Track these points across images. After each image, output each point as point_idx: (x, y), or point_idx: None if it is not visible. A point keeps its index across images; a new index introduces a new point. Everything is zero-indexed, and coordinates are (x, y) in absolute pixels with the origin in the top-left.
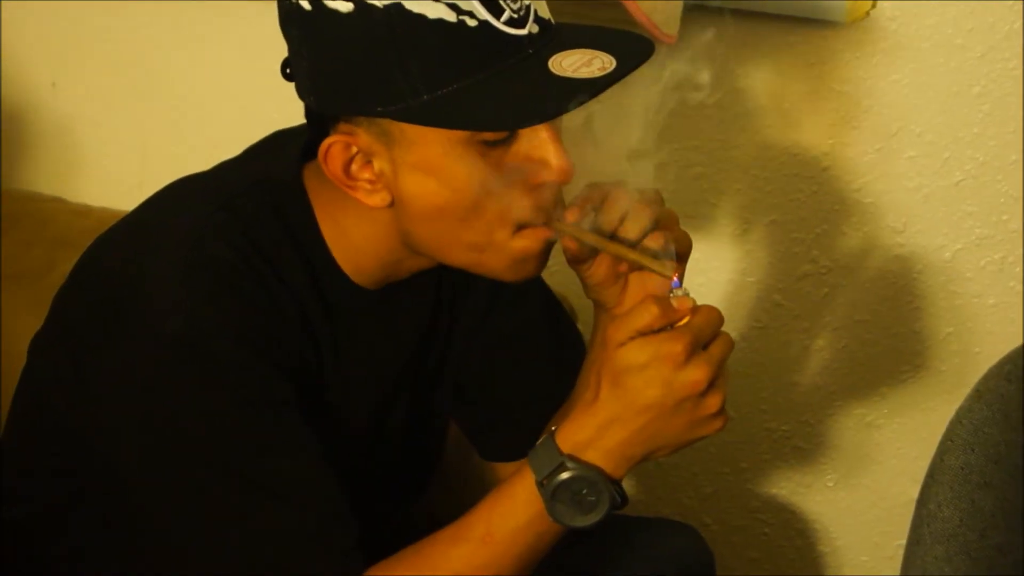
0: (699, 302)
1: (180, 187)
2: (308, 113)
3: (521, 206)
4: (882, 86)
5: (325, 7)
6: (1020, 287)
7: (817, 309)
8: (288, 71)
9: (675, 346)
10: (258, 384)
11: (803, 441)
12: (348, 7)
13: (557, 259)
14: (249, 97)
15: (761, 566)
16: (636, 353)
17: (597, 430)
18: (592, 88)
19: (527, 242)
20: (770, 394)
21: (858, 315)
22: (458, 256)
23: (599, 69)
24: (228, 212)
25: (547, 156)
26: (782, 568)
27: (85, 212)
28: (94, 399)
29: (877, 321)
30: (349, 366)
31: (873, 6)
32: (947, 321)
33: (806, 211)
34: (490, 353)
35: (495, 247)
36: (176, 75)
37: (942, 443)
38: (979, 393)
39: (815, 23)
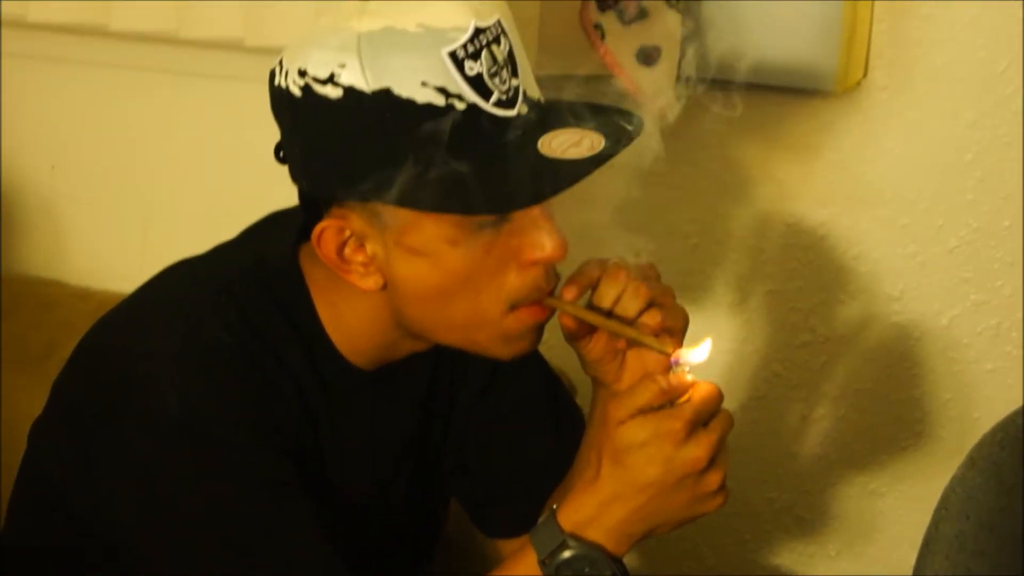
0: (697, 373)
1: (177, 271)
2: (302, 196)
3: (515, 286)
4: (875, 154)
5: (315, 93)
6: (1017, 352)
7: (816, 378)
8: (281, 154)
9: (675, 424)
10: (257, 466)
11: (805, 511)
12: (337, 93)
13: (554, 335)
14: (248, 176)
15: None
16: (636, 431)
17: (598, 508)
18: (582, 169)
19: (521, 320)
20: (770, 464)
21: (857, 383)
22: (452, 336)
23: (588, 149)
24: (225, 295)
25: (540, 236)
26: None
27: (86, 295)
28: (95, 480)
29: (876, 389)
30: (348, 444)
31: (864, 75)
32: (946, 387)
33: (803, 280)
34: (489, 428)
35: (489, 326)
36: (175, 155)
37: (936, 511)
38: (972, 460)
39: (807, 93)
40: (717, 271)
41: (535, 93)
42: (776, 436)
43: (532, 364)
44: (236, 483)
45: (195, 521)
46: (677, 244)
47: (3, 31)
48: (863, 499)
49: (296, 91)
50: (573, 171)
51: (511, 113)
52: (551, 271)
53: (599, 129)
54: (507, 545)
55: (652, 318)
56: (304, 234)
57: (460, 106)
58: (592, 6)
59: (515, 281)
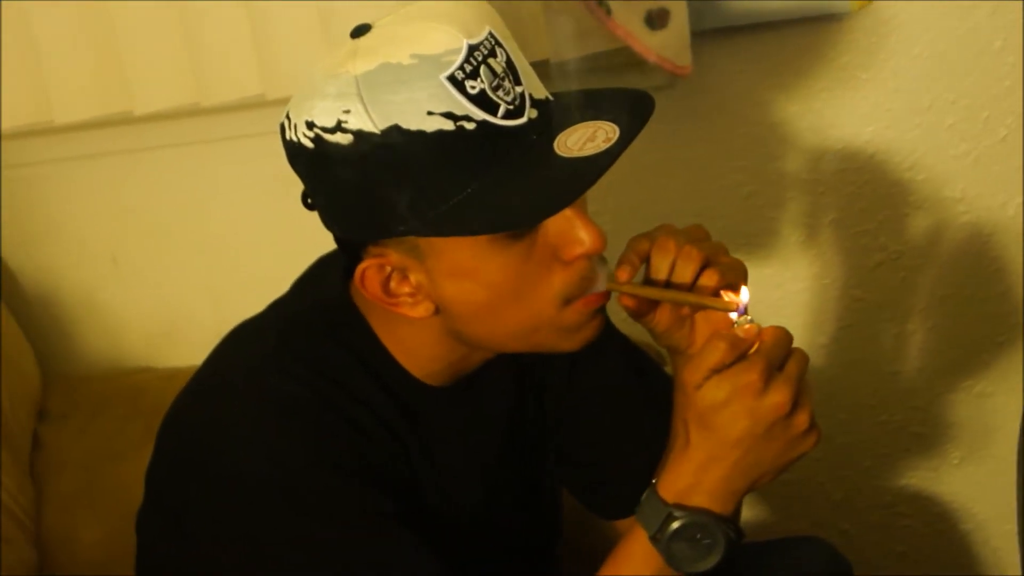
0: (778, 316)
1: (237, 334)
2: (337, 239)
3: (563, 283)
4: (905, 64)
5: (326, 143)
6: None
7: (898, 295)
8: (309, 201)
9: (751, 375)
10: (352, 505)
11: (919, 426)
12: (348, 139)
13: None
14: (299, 223)
15: (909, 558)
16: (715, 391)
17: (696, 474)
18: (601, 164)
19: (578, 312)
20: (874, 389)
21: (940, 291)
22: (516, 343)
23: (604, 141)
24: (287, 348)
25: (576, 232)
26: (931, 555)
27: (174, 375)
28: (202, 558)
29: (960, 292)
30: (443, 463)
31: None
32: None
33: (864, 202)
34: (584, 414)
35: (548, 326)
36: (225, 219)
37: None
38: None
39: (825, 19)
40: (776, 213)
41: (541, 94)
42: (873, 360)
43: (611, 343)
44: (336, 526)
45: (305, 572)
46: (730, 196)
47: (36, 139)
48: (973, 402)
49: (308, 143)
50: (593, 167)
51: (521, 121)
52: (596, 259)
53: (610, 118)
54: (623, 525)
55: (710, 279)
56: (351, 272)
57: (470, 126)
58: None
59: (562, 279)
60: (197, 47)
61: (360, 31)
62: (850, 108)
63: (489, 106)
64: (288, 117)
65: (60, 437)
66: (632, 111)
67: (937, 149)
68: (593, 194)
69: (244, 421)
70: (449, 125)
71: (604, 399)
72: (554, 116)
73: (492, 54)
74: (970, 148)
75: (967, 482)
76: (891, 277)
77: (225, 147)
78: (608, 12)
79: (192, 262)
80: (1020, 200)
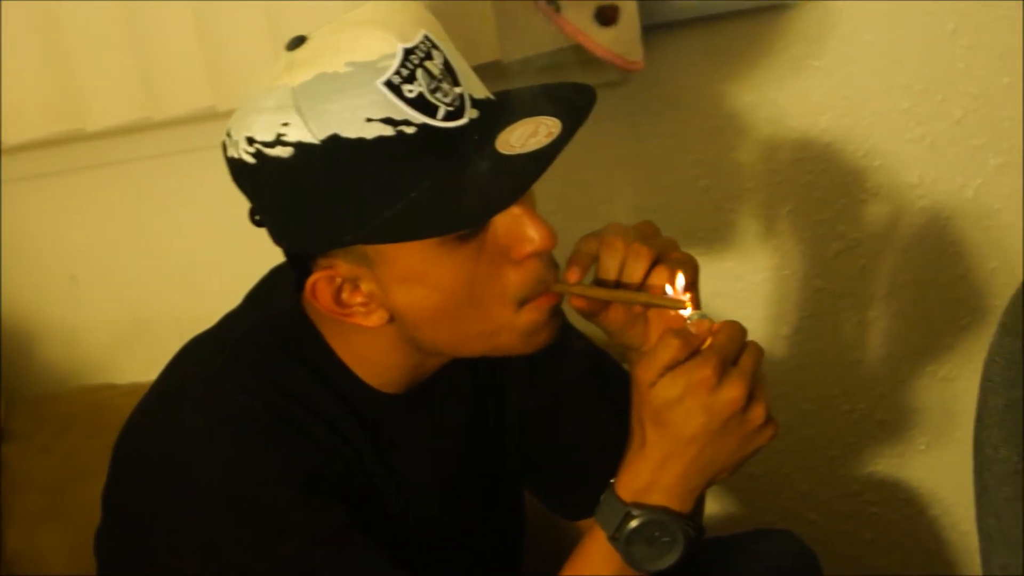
0: (739, 308)
1: (189, 349)
2: (286, 253)
3: (516, 283)
4: (857, 50)
5: (268, 157)
6: None
7: (859, 283)
8: (257, 218)
9: (704, 371)
10: (310, 515)
11: (884, 414)
12: (288, 152)
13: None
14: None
15: (878, 545)
16: (669, 388)
17: (653, 472)
18: (544, 159)
19: (534, 313)
20: (838, 378)
21: (901, 277)
22: (471, 347)
23: (546, 136)
24: (240, 361)
25: (525, 230)
26: (899, 541)
27: (136, 391)
28: (160, 573)
29: (921, 277)
30: (403, 470)
31: None
32: (989, 257)
33: (821, 191)
34: (544, 414)
35: (504, 328)
36: (186, 232)
37: (982, 385)
38: (1004, 327)
39: (774, 9)
40: (734, 205)
41: (481, 93)
42: (836, 349)
43: (570, 344)
44: (294, 537)
45: None
46: (687, 190)
47: None
48: (937, 387)
49: (249, 159)
50: (536, 162)
51: (462, 122)
52: (548, 259)
53: (552, 113)
54: (588, 525)
55: (660, 276)
56: (302, 284)
57: (410, 131)
58: None
59: (515, 279)
60: (146, 62)
61: (295, 43)
62: (804, 97)
63: (428, 109)
64: (229, 134)
65: (24, 457)
66: (573, 105)
67: (892, 134)
68: (549, 193)
69: (198, 434)
70: (389, 131)
71: (565, 400)
72: (495, 115)
73: (428, 56)
74: (925, 132)
75: (933, 467)
76: (851, 265)
77: (178, 161)
78: (557, 10)
79: (150, 277)
80: (978, 182)
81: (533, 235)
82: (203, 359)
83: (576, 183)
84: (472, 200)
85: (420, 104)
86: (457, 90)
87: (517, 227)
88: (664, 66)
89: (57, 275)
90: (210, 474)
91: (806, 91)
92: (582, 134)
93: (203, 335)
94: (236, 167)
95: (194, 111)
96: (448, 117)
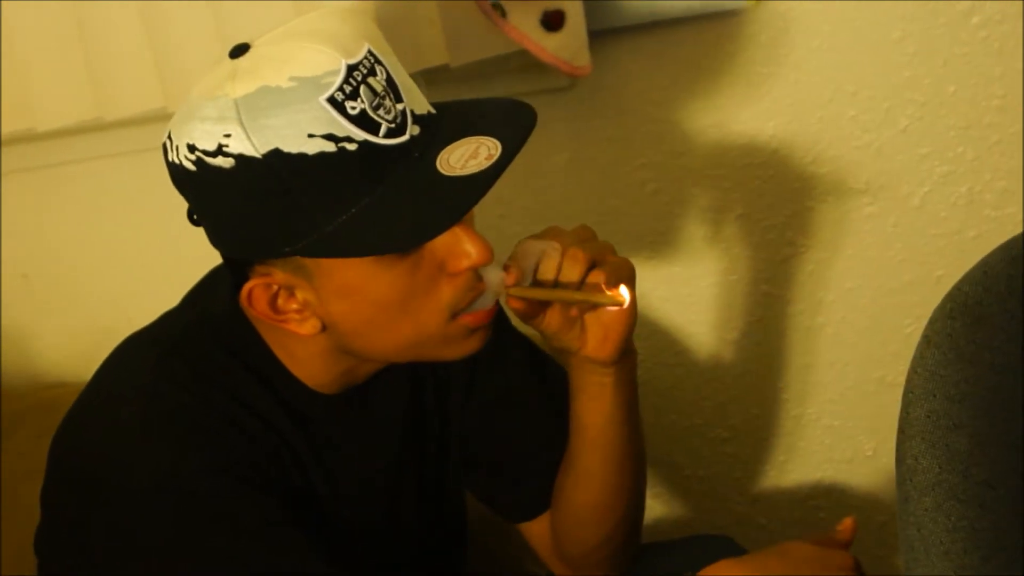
0: (688, 312)
1: (127, 346)
2: (224, 256)
3: (450, 296)
4: (804, 57)
5: (208, 165)
6: (995, 213)
7: (806, 288)
8: (195, 217)
9: (848, 561)
10: (244, 511)
11: (832, 419)
12: (229, 163)
13: None
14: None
15: None
16: (811, 554)
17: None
18: (483, 183)
19: (465, 323)
20: (787, 382)
21: (848, 283)
22: (402, 355)
23: (486, 159)
24: (175, 356)
25: (462, 246)
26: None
27: None
28: (97, 571)
29: (868, 284)
30: (337, 470)
31: None
32: (934, 265)
33: (769, 197)
34: (486, 417)
35: (435, 338)
36: (134, 233)
37: (904, 396)
38: (927, 338)
39: (721, 15)
40: (683, 210)
41: (423, 108)
42: (785, 354)
43: (514, 347)
44: (228, 532)
45: None
46: (636, 194)
47: None
48: (884, 393)
49: (190, 166)
50: (475, 186)
51: (403, 139)
52: (481, 270)
53: (492, 133)
54: (528, 527)
55: (596, 278)
56: (240, 286)
57: (351, 147)
58: None
59: (449, 291)
60: (97, 63)
61: (239, 51)
62: (752, 103)
63: (370, 126)
64: (170, 138)
65: None
66: (515, 126)
67: (840, 141)
68: (497, 197)
69: (132, 430)
70: (331, 147)
71: (507, 400)
72: (437, 131)
73: (372, 72)
74: (872, 139)
75: (881, 473)
76: (799, 271)
77: (130, 161)
78: (503, 14)
79: (101, 277)
80: (924, 190)
81: (470, 250)
82: (138, 356)
83: (523, 188)
84: (410, 221)
85: (362, 121)
86: (399, 107)
87: (455, 242)
88: (611, 71)
89: (9, 274)
90: (142, 467)
91: (754, 97)
92: (531, 138)
93: (139, 333)
94: (176, 172)
95: (145, 112)
96: (389, 134)
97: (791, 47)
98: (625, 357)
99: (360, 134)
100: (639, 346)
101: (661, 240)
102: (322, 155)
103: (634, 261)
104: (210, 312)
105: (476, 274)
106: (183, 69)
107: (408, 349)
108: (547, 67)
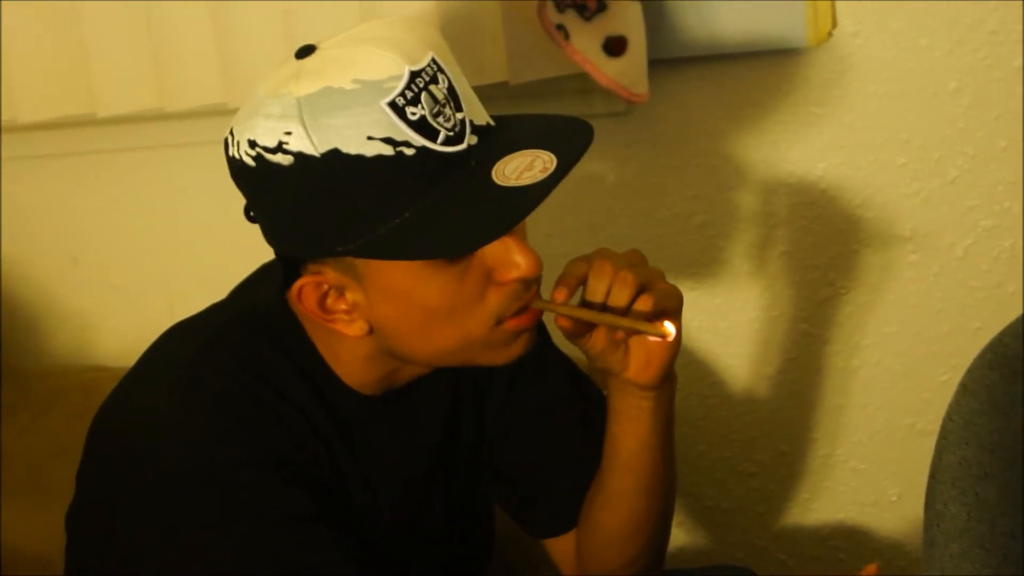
0: (727, 345)
1: (172, 333)
2: (277, 253)
3: (496, 304)
4: (860, 101)
5: (268, 162)
6: None
7: (845, 330)
8: (251, 214)
9: None
10: (278, 502)
11: (859, 462)
12: (288, 160)
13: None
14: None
15: None
16: None
17: None
18: (537, 195)
19: (509, 331)
20: (817, 422)
21: (886, 328)
22: (447, 359)
23: (541, 171)
24: (219, 345)
25: (512, 256)
26: None
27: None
28: (128, 554)
29: (906, 330)
30: (371, 471)
31: (834, 25)
32: (973, 317)
33: (815, 237)
34: (521, 432)
35: (480, 343)
36: (185, 225)
37: (938, 442)
38: (964, 387)
39: (782, 53)
40: (728, 243)
41: (483, 119)
42: (817, 393)
43: (555, 363)
44: (260, 522)
45: (219, 565)
46: (683, 225)
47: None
48: (913, 440)
49: (250, 161)
50: (528, 197)
51: (461, 148)
52: (529, 281)
53: (549, 147)
54: (553, 544)
55: (644, 304)
56: (290, 282)
57: (409, 152)
58: (550, 8)
59: (495, 300)
60: (162, 53)
61: (304, 52)
62: (804, 143)
63: (429, 132)
64: (232, 133)
65: (7, 430)
66: (571, 141)
67: (888, 187)
68: (547, 214)
69: (172, 415)
70: (389, 150)
71: (543, 416)
72: (494, 143)
73: (434, 80)
74: (921, 187)
75: (904, 520)
76: (839, 312)
77: (186, 153)
78: (567, 37)
79: (151, 266)
80: (968, 242)
81: (520, 261)
82: (183, 344)
83: (574, 207)
84: (463, 228)
85: (421, 127)
86: (459, 115)
87: (505, 252)
88: (668, 100)
89: (59, 256)
90: (177, 453)
91: (806, 137)
92: (584, 160)
93: (185, 322)
94: (236, 166)
95: (205, 106)
96: (448, 142)
97: (847, 90)
98: (665, 382)
99: (419, 140)
100: None
101: (704, 271)
102: (380, 158)
103: None
104: (257, 306)
105: (524, 284)
106: (245, 67)
107: (453, 354)
108: (605, 91)
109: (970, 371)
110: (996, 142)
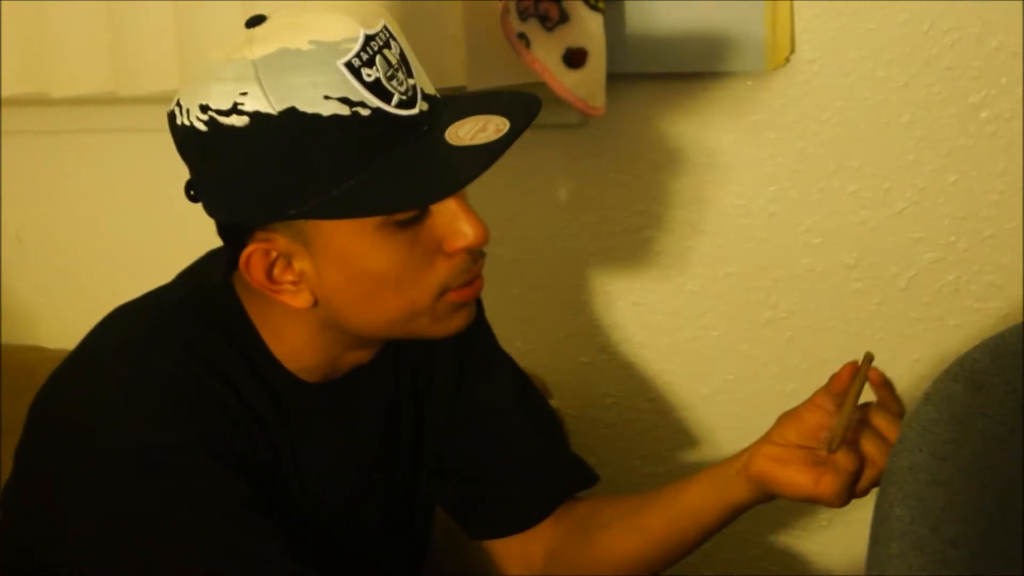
0: (666, 362)
1: (115, 315)
2: (220, 229)
3: (443, 274)
4: (814, 127)
5: (221, 125)
6: (979, 304)
7: (784, 353)
8: (192, 193)
9: None
10: (219, 491)
11: None
12: (244, 121)
13: (528, 339)
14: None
15: None
16: None
17: None
18: (491, 152)
19: (452, 301)
20: (750, 442)
21: (825, 354)
22: (390, 330)
23: (495, 132)
24: (163, 327)
25: (460, 225)
26: None
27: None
28: (69, 534)
29: (844, 358)
30: (310, 460)
31: (792, 50)
32: (913, 348)
33: (760, 259)
34: (465, 430)
35: (423, 313)
36: (132, 210)
37: (894, 447)
38: (927, 396)
39: (738, 75)
40: (673, 260)
41: (431, 90)
42: (751, 414)
43: (500, 365)
44: (200, 509)
45: (157, 546)
46: (630, 239)
47: None
48: None
49: (201, 126)
50: (484, 155)
51: (413, 112)
52: (476, 252)
53: (500, 112)
54: (493, 546)
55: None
56: (234, 263)
57: (364, 112)
58: (513, 16)
59: (443, 270)
60: (120, 37)
61: (255, 22)
62: (756, 165)
63: (383, 94)
64: (179, 104)
65: None
66: (520, 108)
67: (837, 214)
68: (497, 223)
69: (117, 395)
70: (345, 110)
71: (489, 418)
72: (444, 109)
73: (387, 46)
74: (868, 217)
75: (833, 545)
76: (778, 335)
77: (138, 138)
78: (528, 45)
79: (96, 248)
80: (911, 273)
81: (467, 230)
82: (126, 325)
83: (524, 216)
84: (420, 184)
85: (376, 89)
86: (411, 81)
87: (453, 220)
88: (624, 115)
89: (5, 232)
90: (119, 434)
91: (759, 160)
92: (536, 170)
93: (129, 304)
94: (185, 134)
95: (160, 92)
96: (401, 105)
97: (801, 116)
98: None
99: (374, 101)
100: (606, 389)
101: (647, 287)
102: (336, 118)
103: (618, 303)
104: (203, 290)
105: (471, 255)
106: (204, 54)
107: (396, 324)
108: (562, 102)
109: (935, 382)
110: (946, 176)
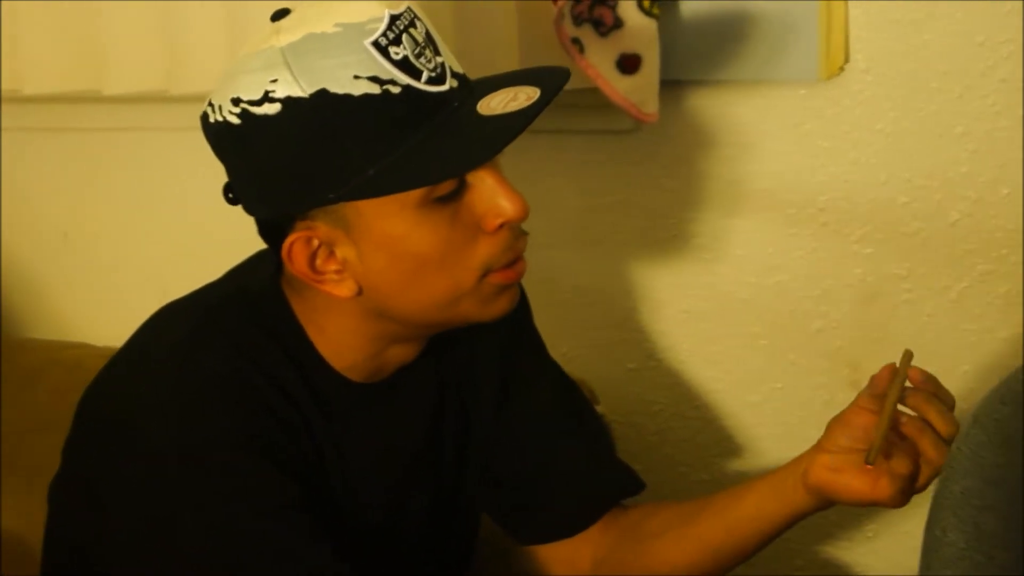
0: (714, 370)
1: (163, 313)
2: (261, 227)
3: (486, 253)
4: (866, 137)
5: (254, 115)
6: None
7: (832, 363)
8: (231, 195)
9: None
10: (258, 488)
11: None
12: (276, 108)
13: (575, 344)
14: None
15: None
16: None
17: None
18: (525, 117)
19: (496, 283)
20: (796, 453)
21: (873, 365)
22: (436, 315)
23: (526, 99)
24: (211, 326)
25: (499, 200)
26: None
27: (110, 354)
28: (113, 530)
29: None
30: (354, 460)
31: (846, 60)
32: (963, 359)
33: (810, 268)
34: (511, 438)
35: (467, 295)
36: (182, 207)
37: (944, 471)
38: (976, 419)
39: (792, 84)
40: (721, 268)
41: (459, 68)
42: (800, 424)
43: (547, 371)
44: (242, 505)
45: (203, 549)
46: (679, 246)
47: (2, 106)
48: None
49: (234, 120)
50: (517, 121)
51: (444, 88)
52: (518, 230)
53: (531, 82)
54: (541, 551)
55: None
56: (280, 264)
57: (395, 90)
58: (567, 21)
59: (485, 248)
60: (173, 36)
61: (280, 14)
62: (807, 174)
63: (413, 72)
64: (210, 104)
65: None
66: (551, 78)
67: (887, 225)
68: (545, 227)
69: (164, 394)
70: (375, 89)
71: (536, 425)
72: (474, 86)
73: (412, 25)
74: (920, 228)
75: (879, 556)
76: (827, 345)
77: (188, 137)
78: (581, 50)
79: (142, 246)
80: (963, 286)
81: (506, 206)
82: (174, 323)
83: (574, 220)
84: (457, 154)
85: (405, 66)
86: (439, 59)
87: (492, 196)
88: (676, 122)
89: (51, 230)
90: (165, 431)
91: (810, 169)
92: (588, 175)
93: (177, 302)
94: (219, 131)
95: (211, 91)
96: (431, 82)
97: (854, 125)
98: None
99: (403, 78)
100: (653, 396)
101: (695, 295)
102: (367, 97)
103: (666, 310)
104: (248, 287)
105: (512, 232)
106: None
107: (441, 308)
108: (615, 108)
109: (982, 404)
110: (999, 189)
